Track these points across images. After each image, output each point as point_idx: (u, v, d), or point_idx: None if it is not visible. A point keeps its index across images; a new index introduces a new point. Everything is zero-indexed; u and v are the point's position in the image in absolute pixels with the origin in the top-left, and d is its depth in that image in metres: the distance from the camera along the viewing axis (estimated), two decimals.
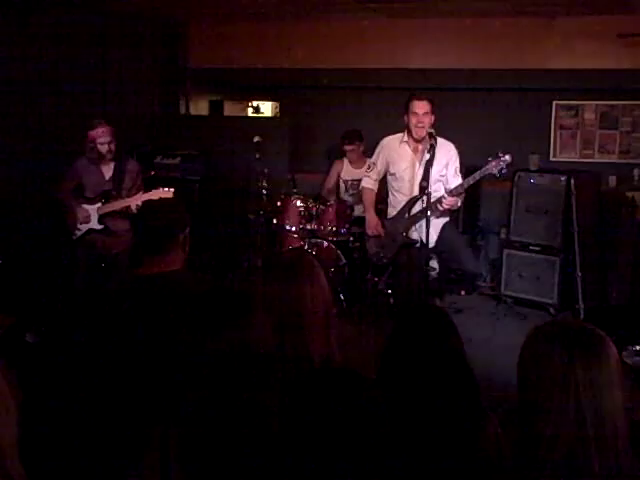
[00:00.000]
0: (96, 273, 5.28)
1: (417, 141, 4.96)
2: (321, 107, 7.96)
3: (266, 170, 6.36)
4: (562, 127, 7.25)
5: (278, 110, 9.07)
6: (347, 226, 6.21)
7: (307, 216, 6.21)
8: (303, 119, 7.98)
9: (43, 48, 6.18)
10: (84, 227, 5.37)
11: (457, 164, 5.04)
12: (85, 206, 5.36)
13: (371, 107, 7.59)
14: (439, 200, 4.80)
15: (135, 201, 5.16)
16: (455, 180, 4.97)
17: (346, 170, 6.94)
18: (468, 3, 6.36)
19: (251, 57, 7.85)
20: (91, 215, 5.34)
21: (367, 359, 2.15)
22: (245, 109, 9.40)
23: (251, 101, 9.33)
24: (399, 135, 5.10)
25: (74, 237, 5.39)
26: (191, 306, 1.56)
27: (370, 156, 6.81)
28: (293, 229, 6.27)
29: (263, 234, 6.54)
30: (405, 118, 4.98)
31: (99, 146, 5.28)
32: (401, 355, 1.89)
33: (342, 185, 6.95)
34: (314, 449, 1.44)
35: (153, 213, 2.83)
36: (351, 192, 6.84)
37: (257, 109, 9.32)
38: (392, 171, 5.06)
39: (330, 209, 6.20)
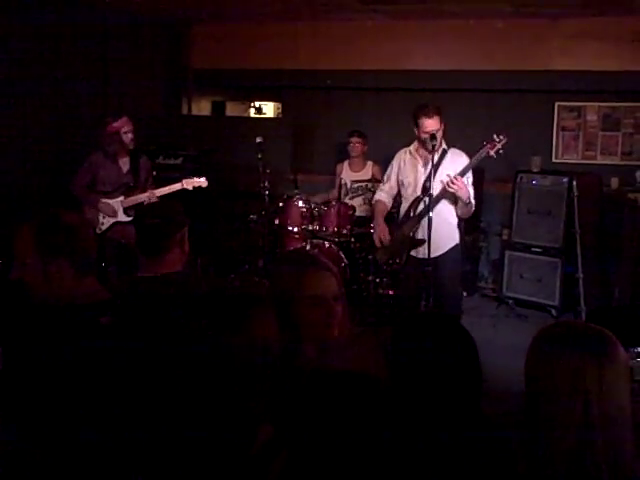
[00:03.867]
0: (126, 264, 5.34)
1: (434, 144, 4.86)
2: (323, 108, 7.96)
3: (268, 171, 6.36)
4: (564, 129, 7.25)
5: (280, 111, 9.08)
6: (349, 227, 6.20)
7: (309, 217, 6.20)
8: (305, 120, 7.99)
9: (45, 47, 6.18)
10: (109, 221, 5.51)
11: (469, 175, 4.94)
12: (107, 200, 5.49)
13: (373, 108, 7.60)
14: (447, 183, 4.71)
15: (163, 192, 5.43)
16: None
17: (346, 172, 6.92)
18: (470, 5, 6.36)
19: (253, 58, 7.85)
20: (117, 209, 5.49)
21: (369, 360, 2.15)
22: (247, 110, 9.41)
23: (253, 102, 9.34)
24: (410, 147, 5.07)
25: (98, 231, 5.49)
26: (191, 308, 1.55)
27: (372, 159, 6.86)
28: (295, 230, 6.26)
29: (265, 234, 6.53)
30: (415, 130, 4.91)
31: (123, 136, 5.49)
32: (409, 364, 1.80)
33: (343, 188, 6.92)
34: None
35: (147, 216, 2.82)
36: (351, 195, 6.80)
37: (259, 110, 9.33)
38: (401, 178, 5.08)
39: (332, 210, 6.20)
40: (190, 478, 1.45)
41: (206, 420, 1.44)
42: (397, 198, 5.30)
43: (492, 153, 4.80)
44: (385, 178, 5.29)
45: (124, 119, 5.53)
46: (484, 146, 4.81)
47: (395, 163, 5.17)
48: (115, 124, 5.48)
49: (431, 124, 4.77)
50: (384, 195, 5.27)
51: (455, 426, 1.71)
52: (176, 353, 1.50)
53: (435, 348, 1.77)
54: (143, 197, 5.43)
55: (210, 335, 1.46)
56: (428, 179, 4.75)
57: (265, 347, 1.49)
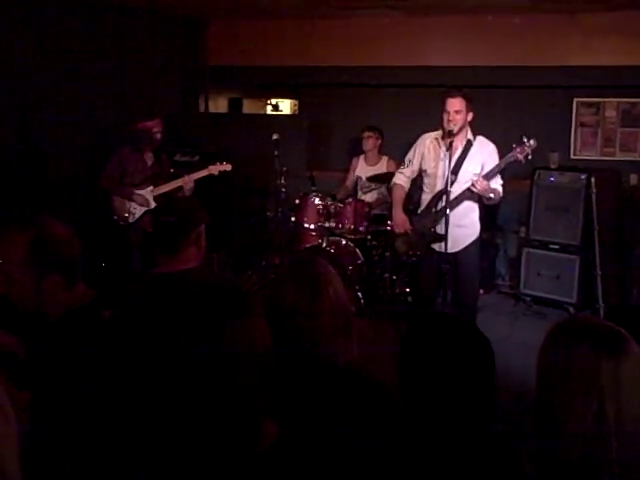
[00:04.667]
0: (150, 251, 5.41)
1: (449, 137, 4.82)
2: (340, 105, 7.96)
3: (285, 168, 6.37)
4: (583, 125, 7.19)
5: (297, 108, 9.07)
6: (365, 224, 6.20)
7: (325, 214, 6.20)
8: (322, 117, 7.99)
9: (62, 45, 6.21)
10: (141, 210, 5.78)
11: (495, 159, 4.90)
12: (138, 191, 5.78)
13: (390, 104, 7.58)
14: (471, 184, 4.69)
15: (192, 179, 5.75)
16: (495, 182, 4.82)
17: (361, 167, 6.93)
18: (487, 0, 6.32)
19: (270, 55, 7.87)
20: (148, 198, 5.79)
21: (384, 358, 2.14)
22: (264, 107, 9.41)
23: (270, 99, 9.34)
24: (436, 132, 5.01)
25: (132, 220, 5.78)
26: (193, 305, 1.55)
27: (387, 154, 6.85)
28: (312, 227, 6.26)
29: (281, 232, 6.55)
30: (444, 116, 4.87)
31: (154, 134, 5.86)
32: (416, 363, 1.77)
33: (358, 183, 6.92)
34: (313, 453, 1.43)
35: (164, 213, 2.83)
36: (365, 190, 6.80)
37: (276, 107, 9.32)
38: (424, 167, 5.01)
39: (348, 207, 6.19)
40: (195, 476, 1.45)
41: (206, 418, 1.44)
42: (416, 182, 5.26)
43: (521, 158, 4.72)
44: (406, 162, 5.17)
45: (158, 120, 5.90)
46: (513, 149, 4.74)
47: (418, 149, 5.07)
48: (149, 123, 5.85)
49: (453, 103, 4.73)
50: (404, 179, 5.19)
51: (459, 432, 1.67)
52: (176, 349, 1.50)
53: (447, 351, 1.72)
54: (171, 185, 5.75)
55: (205, 331, 1.46)
56: (453, 172, 4.69)
57: (263, 346, 1.49)
